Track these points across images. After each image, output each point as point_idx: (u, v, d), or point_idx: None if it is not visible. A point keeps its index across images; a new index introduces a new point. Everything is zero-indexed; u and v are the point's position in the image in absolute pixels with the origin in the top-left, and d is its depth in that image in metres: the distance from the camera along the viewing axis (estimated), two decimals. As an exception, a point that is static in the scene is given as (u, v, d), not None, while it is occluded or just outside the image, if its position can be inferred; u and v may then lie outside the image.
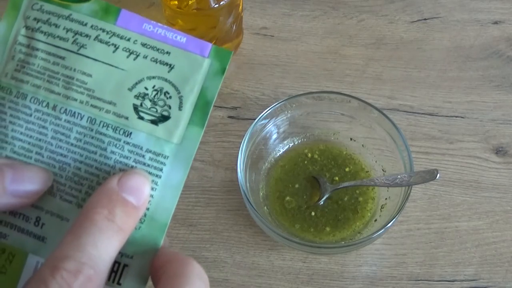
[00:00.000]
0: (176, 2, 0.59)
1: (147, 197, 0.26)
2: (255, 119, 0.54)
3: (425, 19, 0.70)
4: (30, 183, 0.26)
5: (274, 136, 0.57)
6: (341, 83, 0.64)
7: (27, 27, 0.28)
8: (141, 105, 0.27)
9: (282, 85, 0.64)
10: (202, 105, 0.28)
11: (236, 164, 0.51)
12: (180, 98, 0.28)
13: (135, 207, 0.26)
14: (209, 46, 0.28)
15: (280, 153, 0.58)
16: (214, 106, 0.62)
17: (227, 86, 0.64)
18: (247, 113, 0.62)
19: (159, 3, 0.69)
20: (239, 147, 0.52)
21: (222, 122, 0.62)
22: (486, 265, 0.53)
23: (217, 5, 0.58)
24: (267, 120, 0.55)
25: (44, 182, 0.27)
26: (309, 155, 0.58)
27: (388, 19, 0.70)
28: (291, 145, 0.59)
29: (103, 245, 0.24)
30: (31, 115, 0.27)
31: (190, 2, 0.59)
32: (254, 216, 0.50)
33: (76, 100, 0.27)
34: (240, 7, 0.62)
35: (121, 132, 0.27)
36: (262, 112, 0.54)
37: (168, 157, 0.27)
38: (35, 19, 0.28)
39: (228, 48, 0.65)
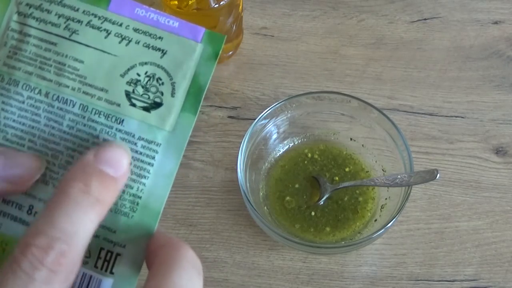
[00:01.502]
0: (176, 2, 0.59)
1: (127, 169, 0.26)
2: (255, 119, 0.54)
3: (425, 19, 0.70)
4: (22, 169, 0.26)
5: (274, 136, 0.57)
6: (341, 83, 0.64)
7: (19, 13, 0.28)
8: (133, 91, 0.27)
9: (282, 85, 0.64)
10: (195, 92, 0.27)
11: (236, 164, 0.51)
12: (173, 84, 0.27)
13: (114, 179, 0.25)
14: (202, 30, 0.28)
15: (280, 153, 0.58)
16: (214, 106, 0.62)
17: (227, 86, 0.64)
18: (247, 113, 0.62)
19: (159, 3, 0.68)
20: (239, 147, 0.52)
21: (222, 122, 0.62)
22: (486, 265, 0.53)
23: (217, 5, 0.58)
24: (267, 120, 0.55)
25: (36, 168, 0.26)
26: (309, 155, 0.58)
27: (388, 19, 0.70)
28: (291, 145, 0.59)
29: (79, 218, 0.23)
30: (23, 102, 0.27)
31: (190, 2, 0.59)
32: (254, 216, 0.50)
33: (68, 87, 0.27)
34: (240, 7, 0.62)
35: (113, 119, 0.27)
36: (262, 112, 0.54)
37: (160, 144, 0.27)
38: (27, 4, 0.28)
39: (228, 48, 0.65)
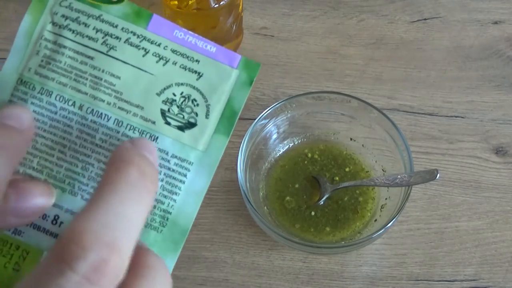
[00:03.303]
0: (176, 2, 0.59)
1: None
2: (255, 119, 0.54)
3: (425, 19, 0.70)
4: (33, 206, 0.26)
5: (274, 136, 0.57)
6: (341, 83, 0.64)
7: (54, 23, 0.28)
8: (168, 110, 0.28)
9: (282, 85, 0.64)
10: (229, 115, 0.28)
11: (236, 164, 0.51)
12: (208, 106, 0.28)
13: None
14: (239, 57, 0.28)
15: (280, 153, 0.58)
16: (214, 106, 0.62)
17: (227, 86, 0.64)
18: (247, 113, 0.62)
19: (159, 3, 0.68)
20: (239, 147, 0.52)
21: (222, 122, 0.61)
22: (486, 265, 0.53)
23: (217, 5, 0.58)
24: (267, 120, 0.55)
25: (47, 204, 0.26)
26: (309, 155, 0.58)
27: (388, 19, 0.70)
28: (291, 145, 0.59)
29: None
30: (56, 113, 0.27)
31: (190, 2, 0.59)
32: (254, 216, 0.50)
33: (103, 101, 0.27)
34: (240, 7, 0.62)
35: (148, 136, 0.28)
36: (262, 112, 0.54)
37: (192, 163, 0.28)
38: (63, 16, 0.28)
39: (228, 48, 0.65)
